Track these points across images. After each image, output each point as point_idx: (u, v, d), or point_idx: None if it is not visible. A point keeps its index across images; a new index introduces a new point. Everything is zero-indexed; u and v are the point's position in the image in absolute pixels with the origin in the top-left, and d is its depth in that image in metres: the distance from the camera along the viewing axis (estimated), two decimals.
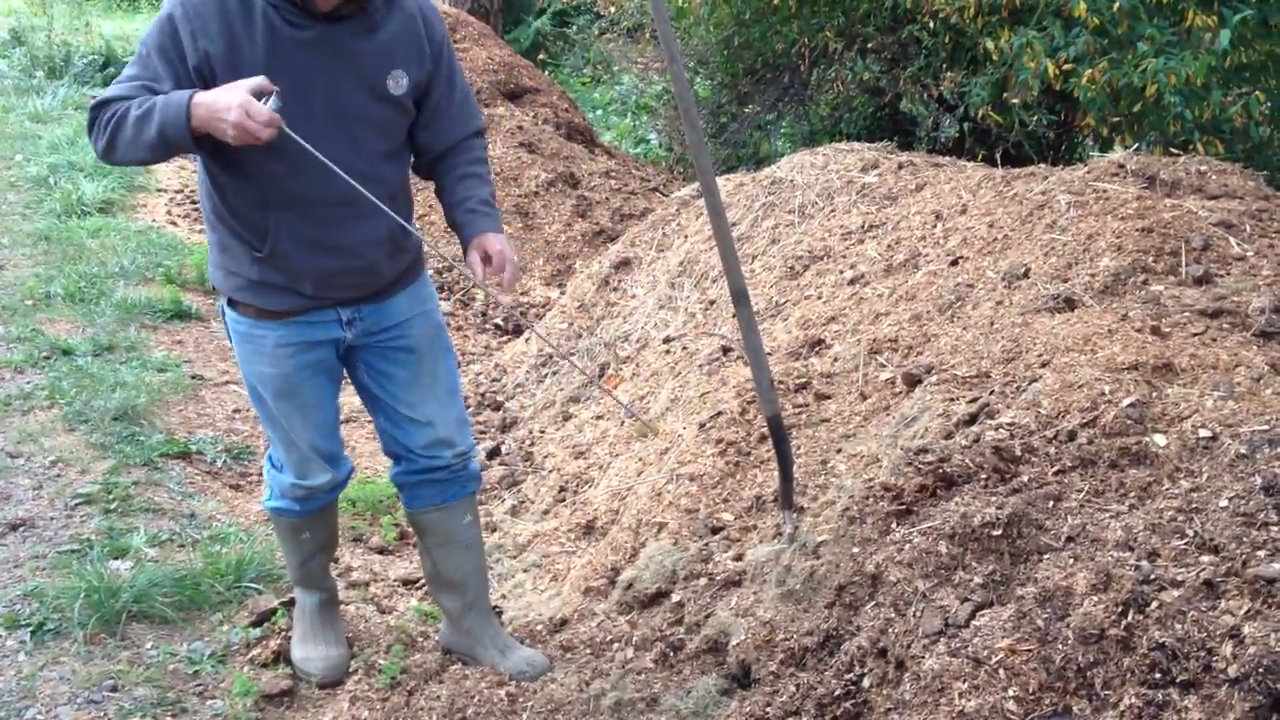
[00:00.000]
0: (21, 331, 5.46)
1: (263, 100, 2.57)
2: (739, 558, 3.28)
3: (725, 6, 8.48)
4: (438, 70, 2.94)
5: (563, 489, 4.40)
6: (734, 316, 4.46)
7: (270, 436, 3.17)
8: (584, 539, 4.00)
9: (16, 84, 11.09)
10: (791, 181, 5.06)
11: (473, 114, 3.11)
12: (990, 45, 6.71)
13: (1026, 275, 3.56)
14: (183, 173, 8.87)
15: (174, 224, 7.71)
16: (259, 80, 2.58)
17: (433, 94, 2.96)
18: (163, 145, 2.60)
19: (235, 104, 2.52)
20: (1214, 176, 3.84)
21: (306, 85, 2.70)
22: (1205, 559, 2.28)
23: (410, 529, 4.34)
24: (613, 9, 9.78)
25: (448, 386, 3.20)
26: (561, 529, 4.11)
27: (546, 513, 4.33)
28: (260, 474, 4.63)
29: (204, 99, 2.55)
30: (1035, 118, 7.10)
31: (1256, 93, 6.49)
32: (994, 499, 2.63)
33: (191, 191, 8.31)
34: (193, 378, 5.29)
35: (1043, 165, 4.50)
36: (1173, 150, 6.85)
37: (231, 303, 2.96)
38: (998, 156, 7.30)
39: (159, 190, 8.41)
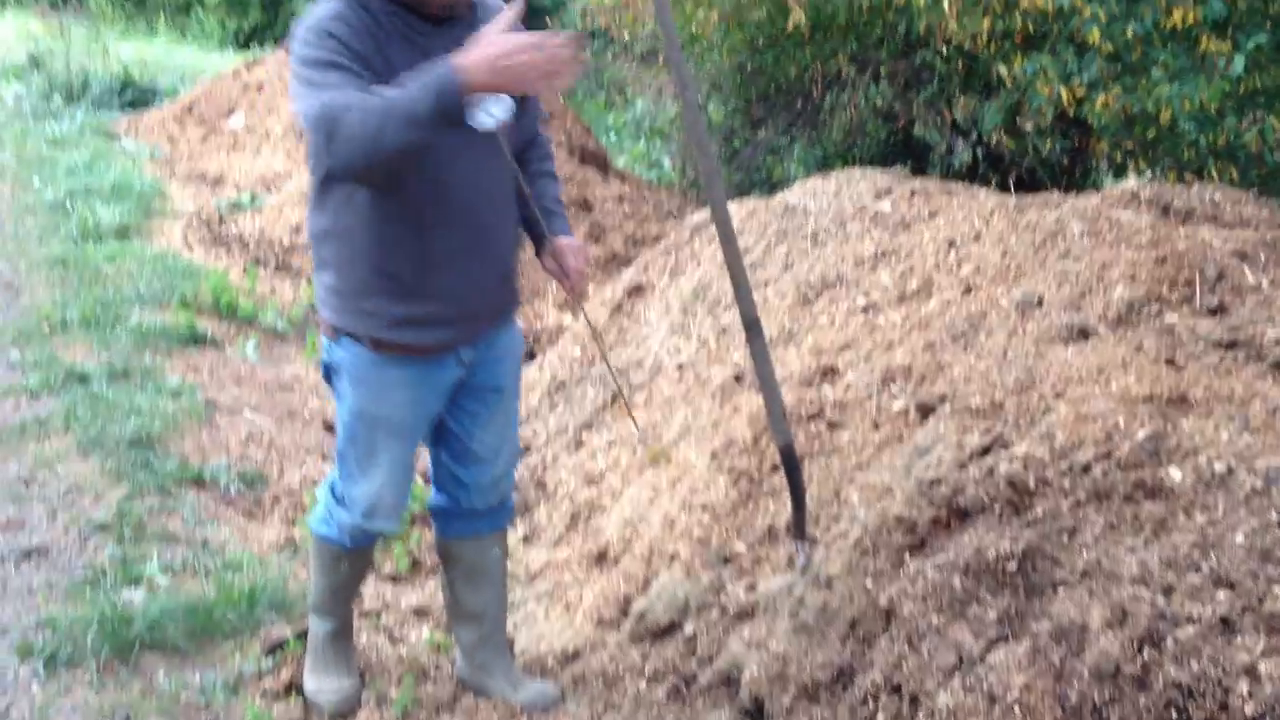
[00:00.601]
0: (37, 357, 5.49)
1: None
2: (752, 589, 3.27)
3: (738, 32, 8.51)
4: None
5: (575, 516, 4.39)
6: (747, 344, 4.47)
7: (348, 473, 3.07)
8: (596, 568, 3.99)
9: (35, 108, 11.17)
10: (804, 208, 5.06)
11: (540, 105, 3.12)
12: (1003, 71, 6.72)
13: (1040, 304, 3.55)
14: (199, 197, 8.91)
15: (189, 249, 7.74)
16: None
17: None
18: (436, 120, 2.42)
19: (514, 42, 2.40)
20: (1228, 205, 3.83)
21: None
22: (1221, 595, 2.27)
23: (427, 556, 4.35)
24: (627, 34, 9.81)
25: (515, 425, 3.25)
26: (574, 557, 4.10)
27: (559, 541, 4.32)
28: (273, 500, 4.63)
29: (471, 57, 2.41)
30: (1049, 143, 7.11)
31: (1271, 119, 6.49)
32: (1008, 532, 2.63)
33: (208, 215, 8.34)
34: (207, 404, 5.30)
35: (1055, 193, 4.50)
36: (1187, 176, 6.86)
37: (354, 340, 2.86)
38: (1011, 182, 7.32)
39: (175, 215, 8.44)
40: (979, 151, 7.73)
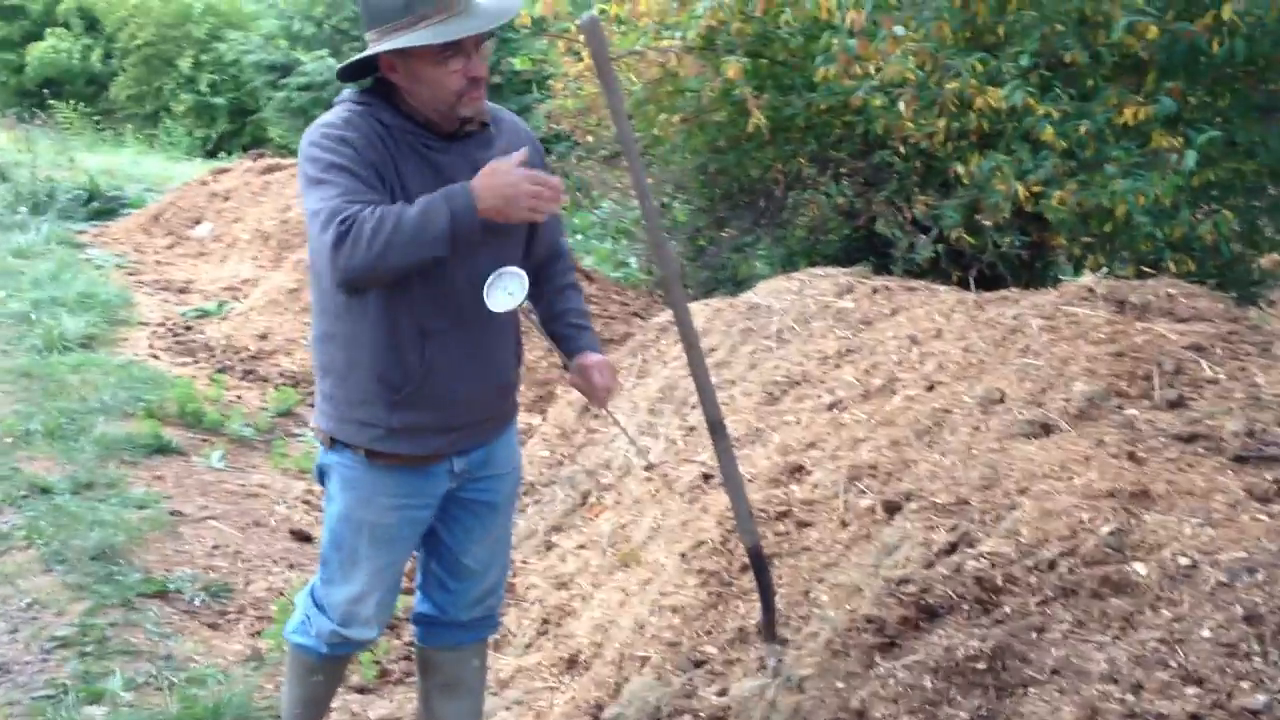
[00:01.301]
0: (0, 470, 5.43)
1: None
2: (723, 693, 3.24)
3: (700, 134, 8.62)
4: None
5: (545, 621, 4.36)
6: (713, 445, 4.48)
7: (329, 577, 3.05)
8: (567, 673, 3.95)
9: (1, 220, 11.17)
10: (768, 307, 5.11)
11: (560, 216, 3.15)
12: (961, 169, 6.83)
13: (1002, 400, 3.59)
14: (165, 305, 8.91)
15: (155, 357, 7.72)
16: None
17: None
18: (449, 240, 2.52)
19: (521, 175, 2.53)
20: (1183, 299, 3.89)
21: None
22: (1190, 691, 2.27)
23: (396, 664, 4.30)
24: (590, 137, 9.94)
25: (508, 540, 3.28)
26: (544, 663, 4.06)
27: (529, 646, 4.28)
28: (239, 611, 4.58)
29: (481, 182, 2.54)
30: (1008, 239, 7.20)
31: (1225, 211, 6.61)
32: (977, 630, 2.63)
33: (174, 324, 8.33)
34: (171, 514, 5.25)
35: (1014, 289, 4.56)
36: (1145, 269, 6.97)
37: (349, 449, 2.88)
38: (972, 278, 7.40)
39: (141, 324, 8.43)
40: (940, 248, 7.82)
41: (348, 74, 2.80)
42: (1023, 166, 6.52)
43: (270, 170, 10.92)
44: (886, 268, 8.48)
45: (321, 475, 3.03)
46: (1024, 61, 6.45)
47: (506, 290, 2.64)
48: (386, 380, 2.79)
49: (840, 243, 9.17)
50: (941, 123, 6.72)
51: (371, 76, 2.75)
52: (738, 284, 9.42)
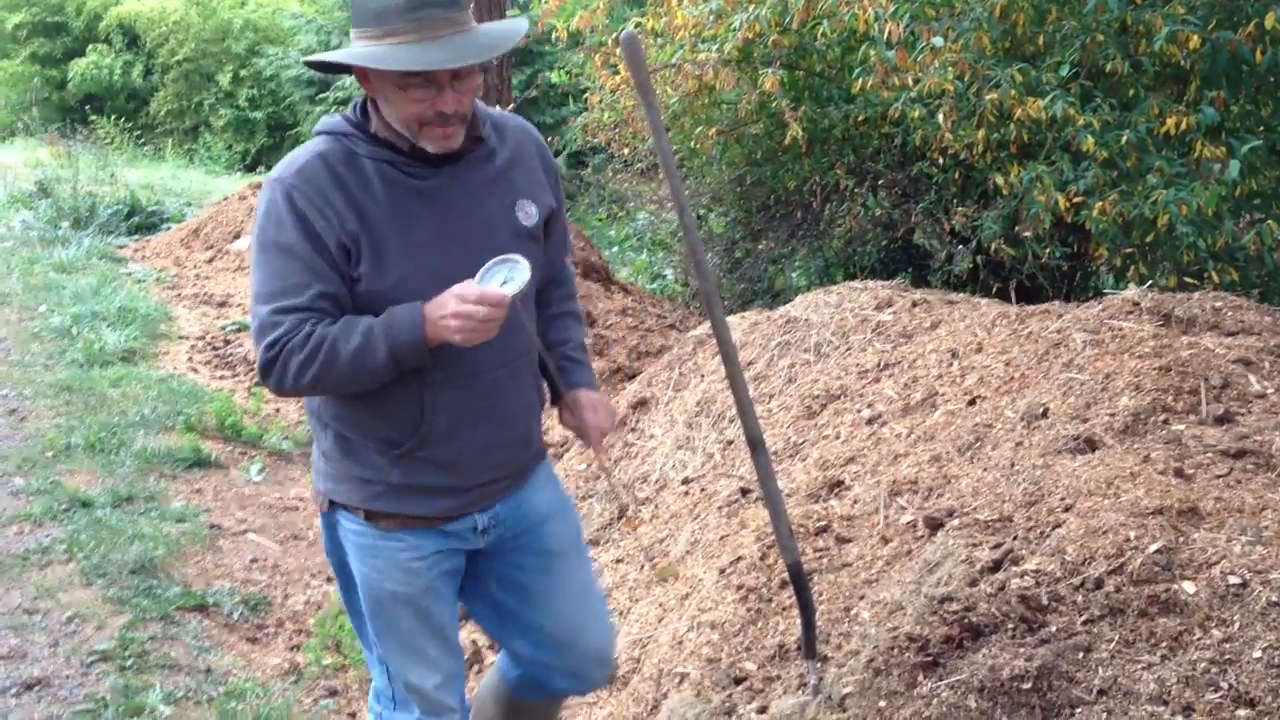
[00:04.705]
0: (41, 484, 5.47)
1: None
2: (763, 710, 3.21)
3: (737, 146, 8.62)
4: (558, 193, 2.69)
5: None
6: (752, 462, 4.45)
7: (385, 669, 2.71)
8: (605, 690, 3.93)
9: (42, 235, 11.28)
10: (806, 320, 5.08)
11: (568, 236, 2.86)
12: (1000, 180, 6.78)
13: (1045, 415, 3.54)
14: (204, 319, 8.96)
15: (194, 370, 7.76)
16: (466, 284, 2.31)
17: (553, 222, 2.67)
18: (392, 371, 2.32)
19: (449, 297, 2.26)
20: (1229, 312, 3.84)
21: (445, 236, 2.43)
22: (1242, 713, 2.22)
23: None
24: (626, 150, 9.94)
25: (592, 591, 2.85)
26: None
27: None
28: (277, 625, 4.59)
29: (428, 307, 2.30)
30: (1048, 250, 7.14)
31: (1269, 222, 6.54)
32: (1022, 650, 2.58)
33: (213, 338, 8.37)
34: (211, 527, 5.27)
35: (1056, 302, 4.51)
36: (1188, 279, 6.89)
37: (349, 512, 2.57)
38: (1012, 290, 7.34)
39: (180, 338, 8.48)
40: (979, 259, 7.77)
41: (317, 67, 2.55)
42: (1063, 177, 6.47)
43: None
44: (925, 279, 8.44)
45: (336, 563, 2.71)
46: (1064, 71, 6.41)
47: (500, 281, 2.31)
48: (381, 436, 2.49)
49: (877, 254, 9.14)
50: (981, 133, 6.68)
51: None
52: (774, 296, 9.39)
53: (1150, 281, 6.63)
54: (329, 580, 4.98)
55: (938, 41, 6.40)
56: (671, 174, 2.87)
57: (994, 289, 7.55)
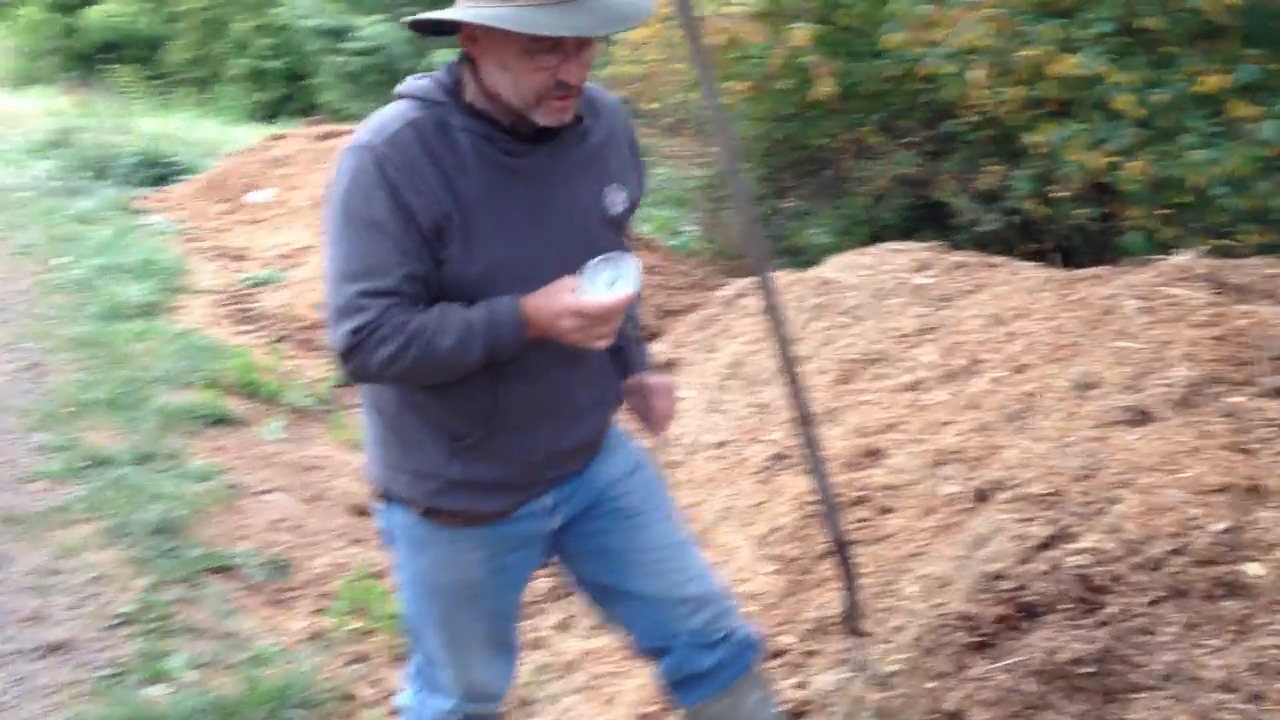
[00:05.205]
0: (61, 440, 5.40)
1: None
2: (802, 685, 3.13)
3: (764, 103, 8.47)
4: (644, 182, 2.49)
5: None
6: (789, 425, 4.34)
7: (430, 658, 2.57)
8: (636, 658, 3.85)
9: (65, 185, 11.18)
10: (841, 283, 4.97)
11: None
12: (1034, 139, 6.64)
13: (1097, 385, 3.44)
14: (224, 273, 8.88)
15: (216, 325, 7.68)
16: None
17: (633, 211, 2.46)
18: (481, 366, 2.17)
19: (559, 304, 2.09)
20: None
21: (537, 221, 2.24)
22: None
23: None
24: (655, 104, 9.79)
25: (688, 547, 2.60)
26: (612, 646, 3.96)
27: (595, 628, 4.19)
28: (301, 588, 4.52)
29: (533, 306, 2.13)
30: (1083, 211, 7.01)
31: None
32: (1080, 632, 2.50)
33: (234, 292, 8.29)
34: (231, 487, 5.20)
35: (1106, 267, 4.39)
36: (1222, 238, 6.78)
37: (404, 505, 2.41)
38: (1045, 249, 7.23)
39: (199, 291, 8.40)
40: (1012, 219, 7.63)
41: (421, 29, 2.27)
42: (1097, 135, 6.33)
43: (328, 137, 10.86)
44: (949, 238, 8.32)
45: (388, 539, 2.54)
46: (1103, 28, 6.25)
47: (607, 282, 2.11)
48: (446, 426, 2.31)
49: (903, 212, 9.00)
50: (1015, 91, 6.53)
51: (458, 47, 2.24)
52: (793, 254, 9.26)
53: (1180, 244, 6.53)
54: (354, 542, 4.92)
55: None
56: (725, 141, 2.76)
57: (1020, 250, 7.41)
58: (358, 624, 4.25)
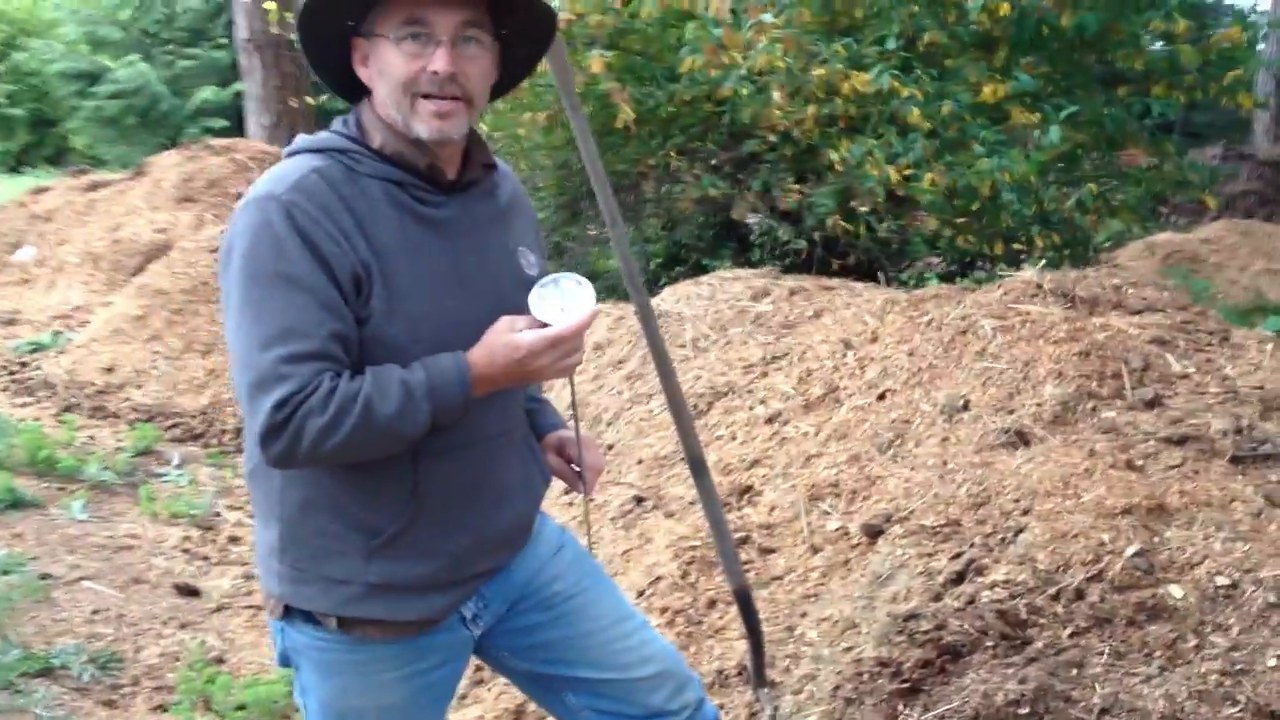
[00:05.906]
0: None
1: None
2: None
3: (562, 130, 8.36)
4: (544, 248, 2.31)
5: (479, 667, 4.06)
6: (643, 466, 4.24)
7: None
8: None
9: None
10: (679, 314, 4.89)
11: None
12: (833, 156, 6.73)
13: (967, 408, 3.44)
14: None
15: None
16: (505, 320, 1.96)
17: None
18: (427, 431, 1.93)
19: (524, 344, 1.90)
20: (1130, 290, 3.82)
21: (456, 277, 2.04)
22: None
23: None
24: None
25: (632, 613, 2.40)
26: (487, 716, 3.78)
27: (464, 697, 3.99)
28: (133, 684, 4.17)
29: (479, 358, 1.93)
30: (884, 224, 7.14)
31: (1089, 185, 6.74)
32: (1010, 671, 2.46)
33: (8, 361, 7.69)
34: (41, 577, 4.77)
35: (948, 286, 4.44)
36: (1014, 245, 7.03)
37: (313, 621, 2.09)
38: (848, 265, 7.36)
39: None
40: (816, 236, 7.73)
41: (321, 67, 2.08)
42: (893, 150, 6.47)
43: (95, 188, 10.19)
44: (748, 258, 8.37)
45: (285, 661, 2.22)
46: (889, 44, 6.41)
47: (558, 308, 1.94)
48: (360, 521, 2.04)
49: (704, 235, 9.03)
50: (810, 109, 6.63)
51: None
52: (593, 278, 9.19)
53: (968, 251, 6.79)
54: (182, 627, 4.59)
55: (767, 18, 6.31)
56: (601, 182, 2.64)
57: (831, 268, 7.52)
58: (204, 719, 3.94)
